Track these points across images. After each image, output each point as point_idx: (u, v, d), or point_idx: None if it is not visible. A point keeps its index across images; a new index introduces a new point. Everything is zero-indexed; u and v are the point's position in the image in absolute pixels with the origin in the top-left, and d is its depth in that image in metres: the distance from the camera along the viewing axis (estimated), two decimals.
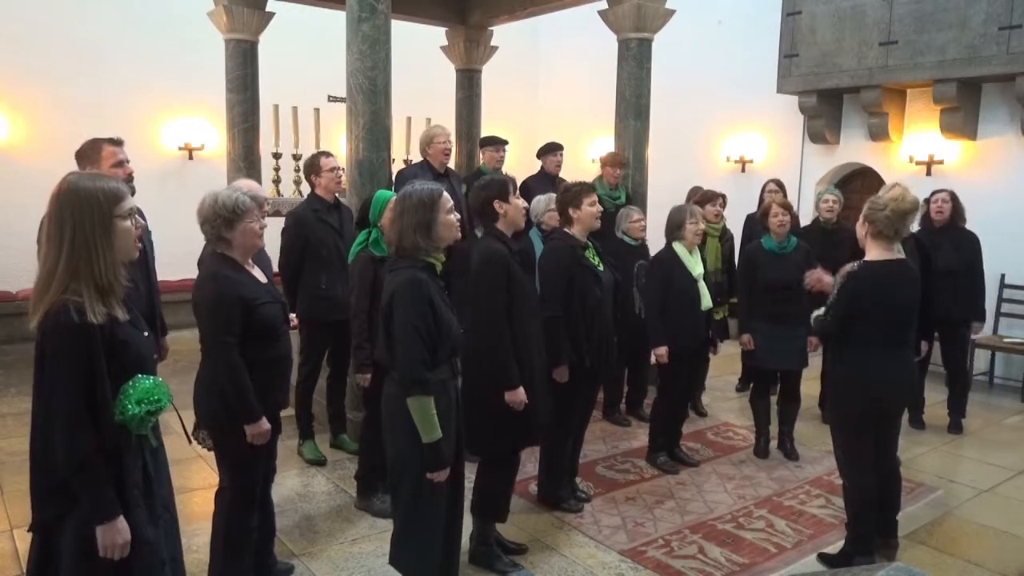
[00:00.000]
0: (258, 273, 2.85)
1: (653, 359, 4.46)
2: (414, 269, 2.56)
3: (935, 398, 5.64)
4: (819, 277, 3.67)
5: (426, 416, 2.50)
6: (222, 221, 2.68)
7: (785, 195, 5.81)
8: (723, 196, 5.67)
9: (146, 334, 2.07)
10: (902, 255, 3.27)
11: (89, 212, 1.91)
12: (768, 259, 4.55)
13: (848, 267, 3.25)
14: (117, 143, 3.36)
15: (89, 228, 1.90)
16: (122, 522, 1.91)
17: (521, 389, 3.09)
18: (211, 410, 2.74)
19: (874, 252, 3.21)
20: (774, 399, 4.85)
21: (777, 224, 4.55)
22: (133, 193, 2.32)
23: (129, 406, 1.93)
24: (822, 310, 3.35)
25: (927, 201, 5.21)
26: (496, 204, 3.19)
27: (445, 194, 2.65)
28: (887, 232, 3.16)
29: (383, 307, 2.60)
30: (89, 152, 3.31)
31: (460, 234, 2.79)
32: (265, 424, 2.70)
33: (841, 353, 3.31)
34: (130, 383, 1.95)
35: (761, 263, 4.55)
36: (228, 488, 2.84)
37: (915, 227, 4.66)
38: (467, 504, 3.09)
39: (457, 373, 2.73)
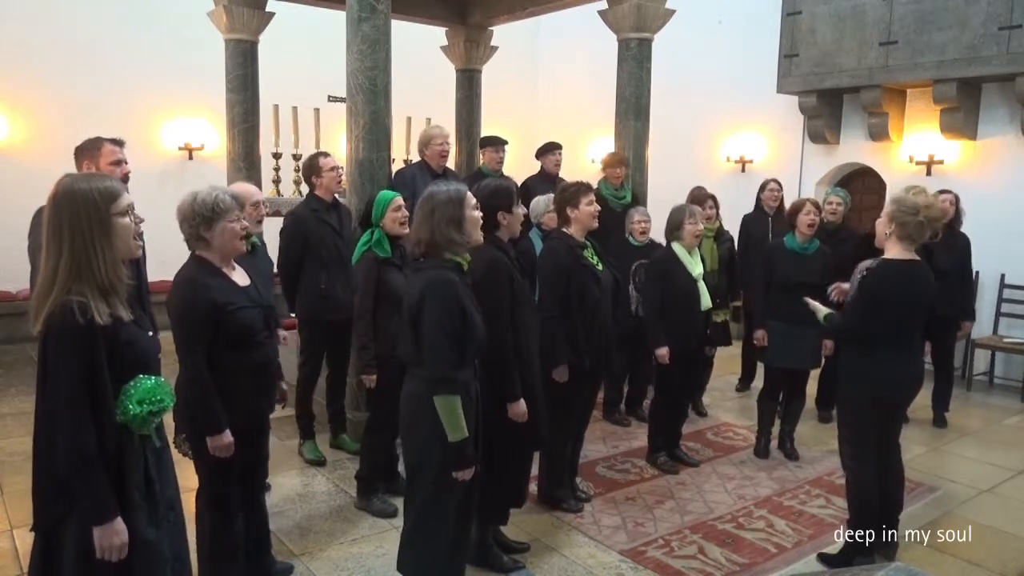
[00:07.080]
0: (239, 276, 2.76)
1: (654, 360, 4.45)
2: (443, 269, 2.57)
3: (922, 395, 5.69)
4: (842, 290, 3.60)
5: (453, 415, 2.50)
6: (201, 220, 2.61)
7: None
8: (712, 197, 5.58)
9: (150, 334, 2.07)
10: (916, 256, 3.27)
11: (86, 212, 1.89)
12: (788, 258, 4.49)
13: (866, 264, 3.24)
14: (118, 143, 3.41)
15: (87, 228, 1.89)
16: (119, 523, 1.91)
17: (523, 401, 3.05)
18: (186, 415, 2.69)
19: (895, 251, 3.21)
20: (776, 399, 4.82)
21: (807, 224, 4.44)
22: None
23: (131, 406, 1.93)
24: (827, 310, 3.38)
25: None
26: (500, 215, 3.12)
27: (469, 193, 2.71)
28: (916, 237, 3.18)
29: (411, 305, 2.59)
30: (89, 148, 3.34)
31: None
32: (227, 437, 2.62)
33: (853, 349, 3.31)
34: (132, 383, 1.95)
35: (780, 261, 4.50)
36: (204, 490, 2.79)
37: None
38: None
39: (478, 375, 2.73)
